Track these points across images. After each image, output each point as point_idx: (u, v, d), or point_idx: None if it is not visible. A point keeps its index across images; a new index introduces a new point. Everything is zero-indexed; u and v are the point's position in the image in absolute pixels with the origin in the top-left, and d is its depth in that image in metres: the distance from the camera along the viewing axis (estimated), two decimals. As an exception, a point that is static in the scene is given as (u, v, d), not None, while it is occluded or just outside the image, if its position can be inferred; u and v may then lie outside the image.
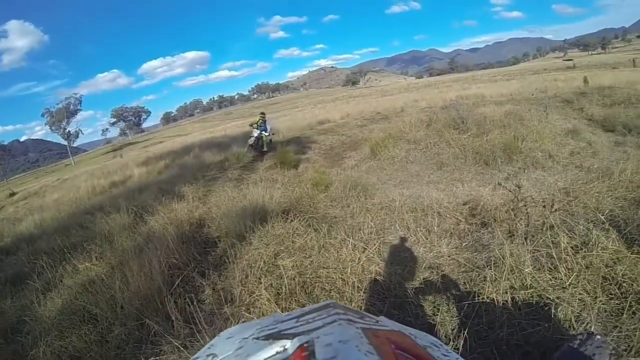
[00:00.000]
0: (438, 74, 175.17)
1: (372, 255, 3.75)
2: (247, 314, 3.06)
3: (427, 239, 4.19)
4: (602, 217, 3.74)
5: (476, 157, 7.43)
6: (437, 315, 2.89)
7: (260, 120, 12.50)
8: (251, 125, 12.78)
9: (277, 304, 3.11)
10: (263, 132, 12.22)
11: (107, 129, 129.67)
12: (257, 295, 3.26)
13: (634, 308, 2.56)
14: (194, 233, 5.35)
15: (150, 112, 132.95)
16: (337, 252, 3.81)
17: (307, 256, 3.86)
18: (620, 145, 7.28)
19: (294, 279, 3.44)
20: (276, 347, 0.54)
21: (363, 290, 3.28)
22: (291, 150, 10.94)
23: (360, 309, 3.09)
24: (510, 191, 4.64)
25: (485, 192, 5.10)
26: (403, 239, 4.29)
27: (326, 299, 3.21)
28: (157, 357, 2.86)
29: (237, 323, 2.95)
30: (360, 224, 4.67)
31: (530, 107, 11.64)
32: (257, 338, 0.62)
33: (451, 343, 2.52)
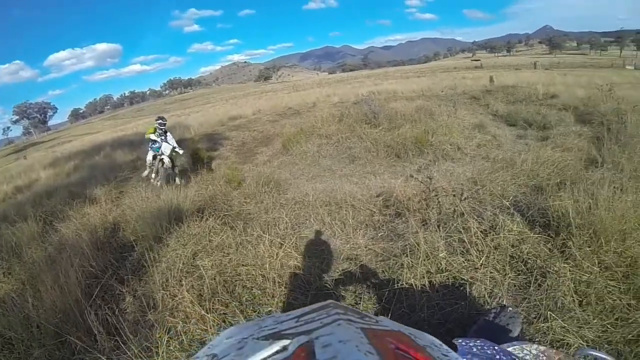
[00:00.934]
0: (351, 70, 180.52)
1: (289, 250, 3.78)
2: (171, 319, 2.93)
3: (342, 231, 4.30)
4: (507, 203, 4.18)
5: (388, 151, 7.77)
6: (360, 304, 3.00)
7: (159, 130, 8.09)
8: (147, 137, 8.26)
9: (200, 306, 3.02)
10: (164, 150, 7.87)
11: (8, 128, 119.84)
12: (179, 299, 3.14)
13: (539, 281, 2.93)
14: (109, 238, 5.09)
15: (57, 109, 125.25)
16: (255, 248, 3.80)
17: (225, 254, 3.83)
18: (522, 138, 8.09)
19: (214, 279, 3.38)
20: (276, 347, 0.54)
21: (284, 285, 3.32)
22: (203, 148, 10.74)
23: (283, 304, 3.10)
24: (422, 182, 4.93)
25: (397, 184, 5.34)
26: (319, 233, 4.37)
27: (248, 296, 3.22)
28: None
29: (163, 330, 2.78)
30: (275, 219, 4.69)
31: (440, 103, 12.50)
32: (257, 338, 0.62)
33: None
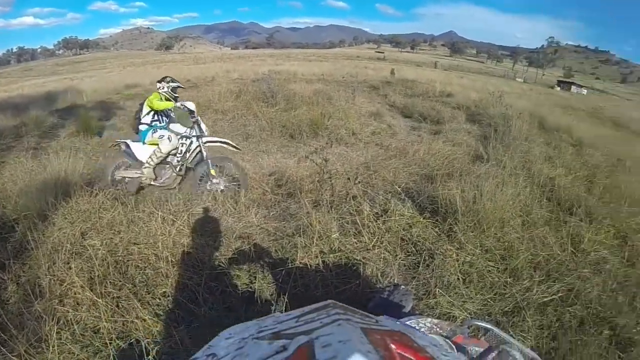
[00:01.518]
0: (254, 48, 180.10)
1: (182, 227, 3.62)
2: (61, 308, 2.60)
3: (235, 209, 4.22)
4: (399, 188, 4.43)
5: (283, 131, 7.86)
6: (255, 283, 2.99)
7: (170, 97, 5.21)
8: (156, 106, 4.95)
9: (91, 290, 2.73)
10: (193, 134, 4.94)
11: None
12: (68, 284, 2.80)
13: (427, 262, 3.22)
14: (-17, 216, 4.37)
15: None
16: (147, 226, 3.56)
17: (116, 232, 3.51)
18: (416, 130, 8.67)
19: (105, 260, 3.08)
20: (276, 347, 0.56)
21: (177, 264, 3.16)
22: (95, 116, 9.74)
23: (177, 284, 2.95)
24: (316, 164, 5.02)
25: (290, 164, 5.45)
26: (211, 210, 4.26)
27: (142, 277, 3.01)
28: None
29: (52, 320, 2.44)
30: (166, 195, 4.48)
31: (340, 88, 12.91)
32: (257, 338, 0.63)
33: (273, 307, 2.65)
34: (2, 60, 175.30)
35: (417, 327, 1.11)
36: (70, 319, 2.53)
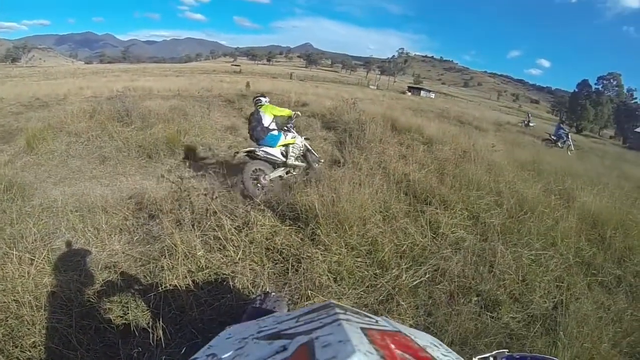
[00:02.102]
0: (109, 62, 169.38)
1: (42, 265, 3.32)
2: None
3: (97, 238, 4.00)
4: (257, 200, 4.67)
5: (140, 151, 7.59)
6: (128, 313, 2.89)
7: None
8: (273, 116, 5.98)
9: None
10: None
11: None
12: None
13: (295, 267, 3.41)
14: None
15: None
16: (2, 269, 3.18)
17: None
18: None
19: None
20: (276, 347, 0.56)
21: (43, 308, 2.87)
22: None
23: (47, 330, 2.68)
24: (173, 182, 4.96)
25: (149, 185, 5.33)
26: (72, 242, 3.97)
27: (5, 330, 2.67)
28: None
29: None
30: (21, 231, 4.02)
31: (195, 103, 12.69)
32: (257, 338, 0.64)
33: (151, 336, 2.57)
34: None
35: None
36: None
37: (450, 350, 0.74)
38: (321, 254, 3.47)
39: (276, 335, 0.65)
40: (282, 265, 3.47)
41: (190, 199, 4.60)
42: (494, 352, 1.07)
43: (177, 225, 4.09)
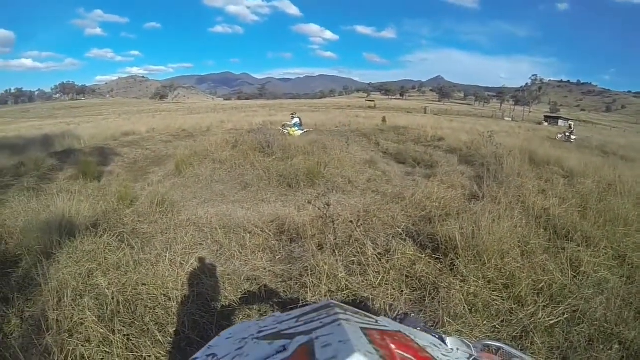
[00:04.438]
0: (247, 99, 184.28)
1: (190, 269, 3.76)
2: (71, 341, 2.65)
3: (241, 253, 4.34)
4: (400, 230, 4.67)
5: (280, 180, 7.97)
6: None
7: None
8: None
9: (103, 326, 2.82)
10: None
11: None
12: (78, 319, 2.87)
13: (432, 295, 3.38)
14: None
15: None
16: (154, 267, 3.69)
17: (123, 273, 3.62)
18: (410, 175, 8.90)
19: (113, 299, 3.16)
20: (276, 347, 0.57)
21: (189, 304, 3.27)
22: (94, 161, 9.95)
23: (189, 322, 3.04)
24: (319, 209, 5.20)
25: (290, 212, 5.61)
26: (218, 254, 4.38)
27: (152, 316, 3.10)
28: None
29: (61, 353, 2.54)
30: (172, 239, 4.58)
31: (333, 137, 13.17)
32: (257, 338, 0.65)
33: None
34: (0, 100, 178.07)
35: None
36: (78, 354, 2.59)
37: (450, 350, 0.75)
38: (459, 284, 3.43)
39: (276, 335, 0.65)
40: (419, 292, 3.47)
41: (334, 225, 4.74)
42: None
43: (319, 249, 4.27)
